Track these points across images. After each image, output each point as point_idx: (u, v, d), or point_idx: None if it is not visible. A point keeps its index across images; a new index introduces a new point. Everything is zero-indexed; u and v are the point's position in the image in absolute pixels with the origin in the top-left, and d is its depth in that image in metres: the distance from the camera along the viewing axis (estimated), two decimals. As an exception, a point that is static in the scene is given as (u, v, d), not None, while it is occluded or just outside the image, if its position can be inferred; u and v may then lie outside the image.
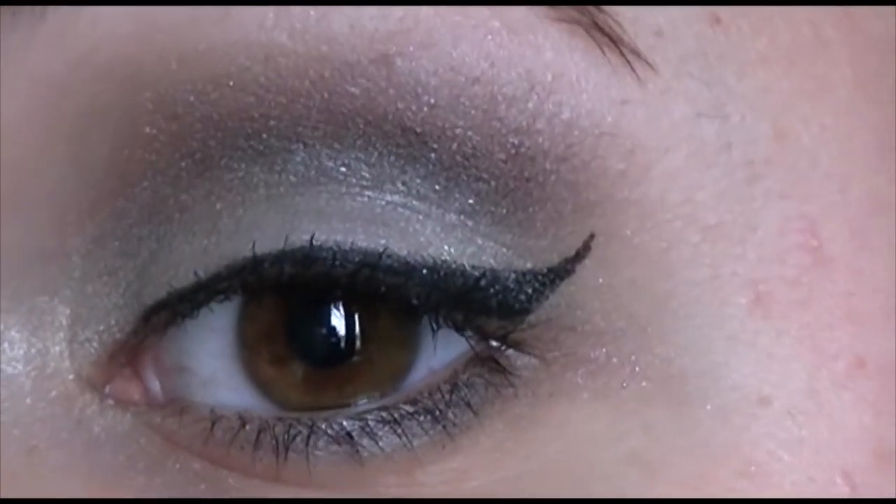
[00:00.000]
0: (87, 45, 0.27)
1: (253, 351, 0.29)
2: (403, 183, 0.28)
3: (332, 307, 0.29)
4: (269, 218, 0.28)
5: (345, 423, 0.28)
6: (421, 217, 0.28)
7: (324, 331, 0.29)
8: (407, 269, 0.28)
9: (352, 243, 0.28)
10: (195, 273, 0.28)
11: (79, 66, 0.27)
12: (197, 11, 0.27)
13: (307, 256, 0.28)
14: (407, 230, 0.28)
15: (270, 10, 0.27)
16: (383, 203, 0.28)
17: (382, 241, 0.28)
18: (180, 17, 0.27)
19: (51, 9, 0.27)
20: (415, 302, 0.28)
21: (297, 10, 0.27)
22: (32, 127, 0.28)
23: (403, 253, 0.28)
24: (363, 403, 0.29)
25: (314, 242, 0.28)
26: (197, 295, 0.28)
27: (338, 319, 0.29)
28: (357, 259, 0.28)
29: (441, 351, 0.29)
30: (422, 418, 0.28)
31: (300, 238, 0.28)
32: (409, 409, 0.28)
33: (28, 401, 0.29)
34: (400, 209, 0.28)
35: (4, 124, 0.28)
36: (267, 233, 0.28)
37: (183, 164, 0.28)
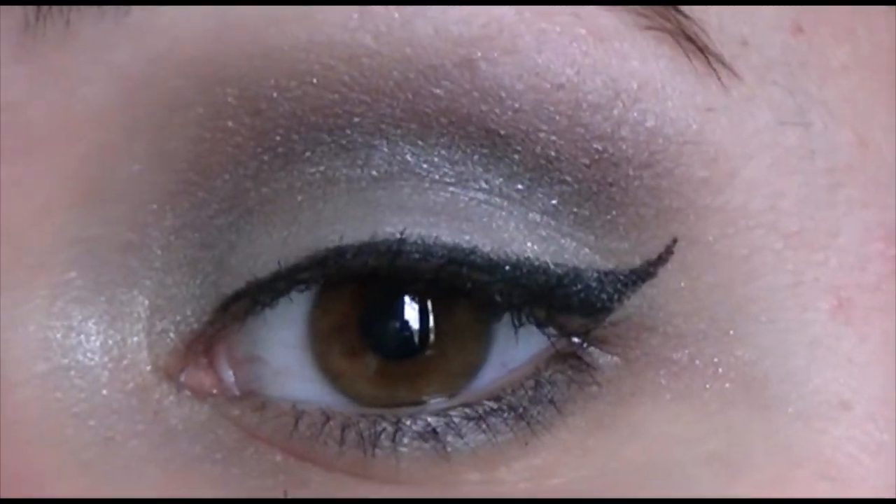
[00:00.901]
0: (169, 42, 0.27)
1: (326, 343, 0.29)
2: (486, 181, 0.28)
3: (406, 300, 0.29)
4: (351, 211, 0.28)
5: (430, 419, 0.29)
6: (504, 214, 0.28)
7: (397, 324, 0.29)
8: (491, 266, 0.28)
9: (436, 238, 0.28)
10: (278, 262, 0.28)
11: (161, 61, 0.28)
12: (280, 11, 0.27)
13: (391, 249, 0.28)
14: (490, 226, 0.28)
15: (355, 11, 0.27)
16: (466, 199, 0.28)
17: (467, 237, 0.28)
18: (264, 15, 0.27)
19: (136, 6, 0.27)
20: (498, 298, 0.28)
21: (381, 11, 0.27)
22: (113, 120, 0.28)
23: (487, 249, 0.28)
24: (437, 398, 0.29)
25: (398, 238, 0.28)
26: (277, 284, 0.29)
27: (412, 312, 0.29)
28: (442, 254, 0.28)
29: (517, 347, 0.29)
30: (506, 415, 0.29)
31: (383, 231, 0.28)
32: (493, 405, 0.29)
33: (105, 392, 0.29)
34: (483, 205, 0.28)
35: (85, 117, 0.28)
36: (349, 225, 0.28)
37: (265, 157, 0.28)
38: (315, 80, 0.28)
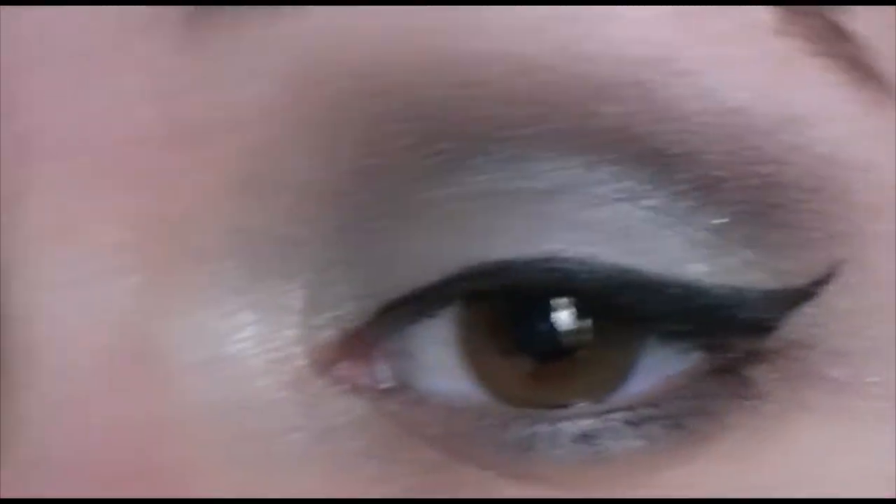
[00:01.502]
0: (340, 44, 0.27)
1: (478, 341, 0.29)
2: (651, 199, 0.28)
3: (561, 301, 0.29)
4: (512, 224, 0.28)
5: (586, 422, 0.29)
6: (668, 233, 0.28)
7: (551, 325, 0.29)
8: (653, 287, 0.28)
9: (600, 257, 0.28)
10: (441, 274, 0.28)
11: (330, 63, 0.27)
12: (450, 20, 0.27)
13: (558, 267, 0.28)
14: (654, 246, 0.28)
15: (529, 25, 0.27)
16: (631, 217, 0.28)
17: (631, 258, 0.28)
18: (432, 22, 0.27)
19: (289, 8, 0.27)
20: (661, 325, 0.29)
21: (557, 26, 0.27)
22: (277, 116, 0.28)
23: (650, 270, 0.28)
24: (586, 401, 0.29)
25: (564, 254, 0.28)
26: (440, 294, 0.29)
27: (566, 315, 0.29)
28: (607, 274, 0.28)
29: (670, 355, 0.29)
30: (662, 422, 0.29)
31: (549, 247, 0.28)
32: (651, 412, 0.29)
33: (259, 383, 0.28)
34: (647, 224, 0.28)
35: (249, 111, 0.28)
36: (510, 238, 0.28)
37: (428, 163, 0.28)
38: (484, 91, 0.28)
